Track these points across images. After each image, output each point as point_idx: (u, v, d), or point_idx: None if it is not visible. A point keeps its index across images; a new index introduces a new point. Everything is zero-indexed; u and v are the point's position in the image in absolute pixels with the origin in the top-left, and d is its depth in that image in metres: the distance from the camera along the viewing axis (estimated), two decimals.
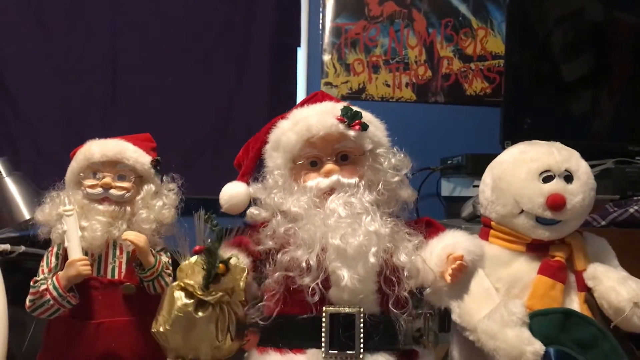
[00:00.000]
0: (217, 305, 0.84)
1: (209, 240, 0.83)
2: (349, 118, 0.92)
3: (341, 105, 0.95)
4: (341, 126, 0.91)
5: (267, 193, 0.94)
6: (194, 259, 0.86)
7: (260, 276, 0.91)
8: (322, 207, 0.89)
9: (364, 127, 0.92)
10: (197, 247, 0.84)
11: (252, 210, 0.95)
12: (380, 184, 0.92)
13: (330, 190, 0.91)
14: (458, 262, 0.86)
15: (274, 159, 0.96)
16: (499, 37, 2.04)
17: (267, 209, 0.93)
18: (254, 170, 1.01)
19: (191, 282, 0.84)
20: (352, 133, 0.92)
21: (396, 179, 0.95)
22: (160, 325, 0.83)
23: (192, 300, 0.83)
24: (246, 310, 0.89)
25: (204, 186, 1.34)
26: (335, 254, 0.85)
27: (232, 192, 0.98)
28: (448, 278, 0.86)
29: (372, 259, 0.85)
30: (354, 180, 0.91)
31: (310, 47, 2.02)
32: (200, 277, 0.83)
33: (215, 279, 0.83)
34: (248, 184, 0.99)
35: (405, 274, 0.88)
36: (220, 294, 0.84)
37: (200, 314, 0.83)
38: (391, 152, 0.97)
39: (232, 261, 0.84)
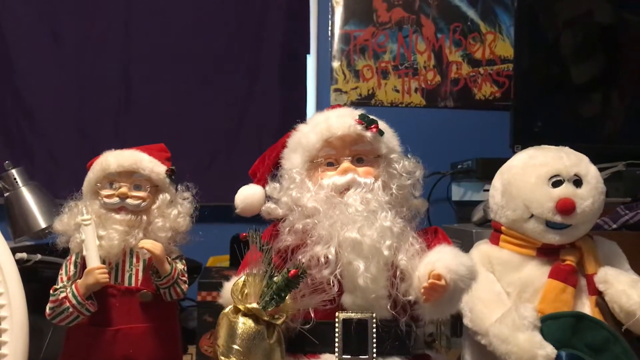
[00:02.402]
0: (278, 327, 0.82)
1: (301, 262, 0.84)
2: (367, 122, 0.95)
3: (359, 111, 0.98)
4: (359, 127, 0.94)
5: (284, 191, 0.96)
6: (241, 280, 0.84)
7: None
8: (339, 202, 0.91)
9: (381, 132, 0.95)
10: (293, 271, 0.81)
11: (269, 205, 0.97)
12: (394, 187, 0.94)
13: (347, 188, 0.93)
14: (430, 280, 0.82)
15: (292, 159, 0.98)
16: (508, 41, 2.05)
17: (283, 207, 0.95)
18: (270, 177, 1.02)
19: (256, 306, 0.81)
20: (369, 134, 0.94)
21: (409, 182, 0.96)
22: (234, 357, 0.78)
23: (262, 326, 0.80)
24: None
25: (217, 193, 1.36)
26: (352, 246, 0.86)
27: (247, 192, 1.00)
28: (422, 297, 0.84)
29: (385, 252, 0.86)
30: (369, 180, 0.93)
31: (320, 54, 2.04)
32: (252, 300, 0.81)
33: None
34: (264, 187, 1.00)
35: (398, 273, 0.88)
36: (285, 315, 0.82)
37: (272, 339, 0.81)
38: (404, 158, 0.99)
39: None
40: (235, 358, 0.78)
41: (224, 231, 1.55)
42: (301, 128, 1.00)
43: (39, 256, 1.25)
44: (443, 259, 0.85)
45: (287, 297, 0.82)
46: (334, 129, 0.95)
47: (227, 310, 0.83)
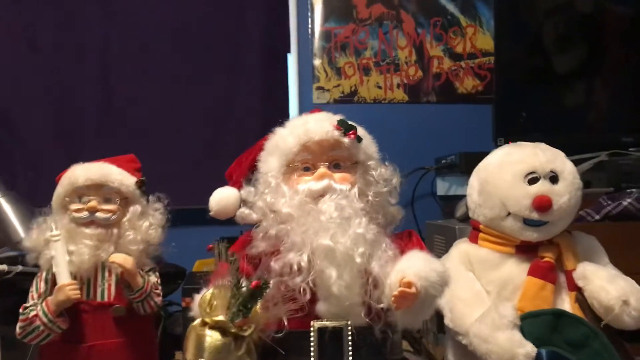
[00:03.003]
0: (248, 338, 0.82)
1: (264, 274, 0.83)
2: (345, 128, 0.94)
3: (338, 116, 0.98)
4: (337, 133, 0.94)
5: (259, 195, 0.95)
6: (209, 293, 0.83)
7: None
8: (313, 208, 0.90)
9: (359, 138, 0.95)
10: (254, 283, 0.81)
11: (243, 210, 0.96)
12: (370, 194, 0.94)
13: (322, 194, 0.92)
14: (400, 289, 0.81)
15: (269, 162, 0.97)
16: (488, 34, 2.04)
17: (258, 212, 0.94)
18: (245, 181, 1.01)
19: (222, 319, 0.81)
20: (346, 140, 0.94)
21: (386, 189, 0.96)
22: None
23: (229, 338, 0.80)
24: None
25: (198, 196, 1.34)
26: (324, 253, 0.86)
27: (222, 195, 0.99)
28: (393, 304, 0.83)
29: (358, 259, 0.86)
30: (345, 186, 0.93)
31: (301, 52, 2.02)
32: (219, 312, 0.81)
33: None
34: (239, 190, 1.00)
35: (371, 280, 0.87)
36: (253, 326, 0.82)
37: (240, 351, 0.81)
38: (382, 165, 0.98)
39: None
40: None
41: (210, 234, 1.54)
42: (279, 131, 1.00)
43: (20, 267, 1.24)
44: (414, 265, 0.85)
45: (256, 308, 0.82)
46: (312, 133, 0.94)
47: (195, 323, 0.83)
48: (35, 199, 1.41)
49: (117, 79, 1.89)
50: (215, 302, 0.81)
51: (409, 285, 0.81)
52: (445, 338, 1.12)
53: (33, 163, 1.85)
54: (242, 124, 1.92)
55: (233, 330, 0.80)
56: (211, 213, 1.00)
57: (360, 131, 0.97)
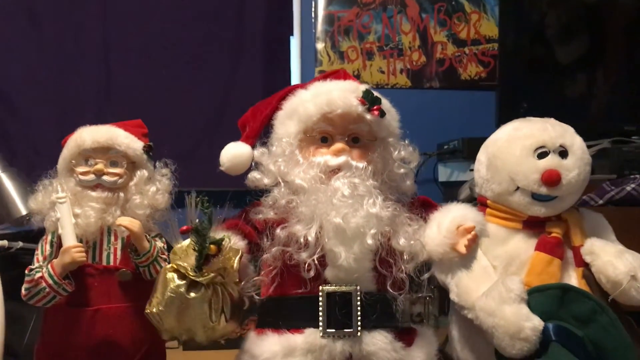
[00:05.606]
0: (210, 286, 0.85)
1: (197, 220, 0.84)
2: (370, 102, 0.91)
3: (364, 87, 0.94)
4: (360, 108, 0.91)
5: (272, 160, 0.94)
6: (187, 241, 0.86)
7: (256, 258, 0.90)
8: (327, 184, 0.89)
9: (382, 114, 0.92)
10: (184, 227, 0.85)
11: (254, 174, 0.95)
12: (385, 174, 0.93)
13: (337, 170, 0.91)
14: (473, 232, 0.90)
15: (286, 126, 0.95)
16: (492, 21, 2.04)
17: (269, 176, 0.93)
18: (259, 136, 0.99)
19: (183, 264, 0.85)
20: (369, 117, 0.91)
21: (402, 170, 0.95)
22: (153, 307, 0.84)
23: (184, 281, 0.84)
24: (241, 287, 0.89)
25: (200, 178, 1.33)
26: (334, 232, 0.85)
27: (235, 151, 0.97)
28: (463, 249, 0.90)
29: (369, 241, 0.85)
30: (362, 164, 0.91)
31: (303, 35, 2.02)
32: (192, 259, 0.84)
33: (206, 260, 0.84)
34: (252, 147, 0.98)
35: (405, 257, 0.88)
36: (212, 274, 0.85)
37: (192, 294, 0.84)
38: (402, 144, 0.97)
39: (225, 242, 0.84)
40: (155, 309, 0.84)
41: None
42: (300, 94, 0.96)
43: (20, 243, 1.25)
44: (468, 213, 0.93)
45: (232, 262, 0.85)
46: (335, 105, 0.91)
47: (166, 266, 0.87)
48: (33, 178, 1.40)
49: (117, 60, 1.88)
50: (189, 251, 0.85)
51: (474, 229, 0.89)
52: (449, 314, 1.12)
53: (32, 142, 1.84)
54: (244, 106, 1.89)
55: (190, 274, 0.84)
56: (222, 168, 0.98)
57: (385, 104, 0.94)
